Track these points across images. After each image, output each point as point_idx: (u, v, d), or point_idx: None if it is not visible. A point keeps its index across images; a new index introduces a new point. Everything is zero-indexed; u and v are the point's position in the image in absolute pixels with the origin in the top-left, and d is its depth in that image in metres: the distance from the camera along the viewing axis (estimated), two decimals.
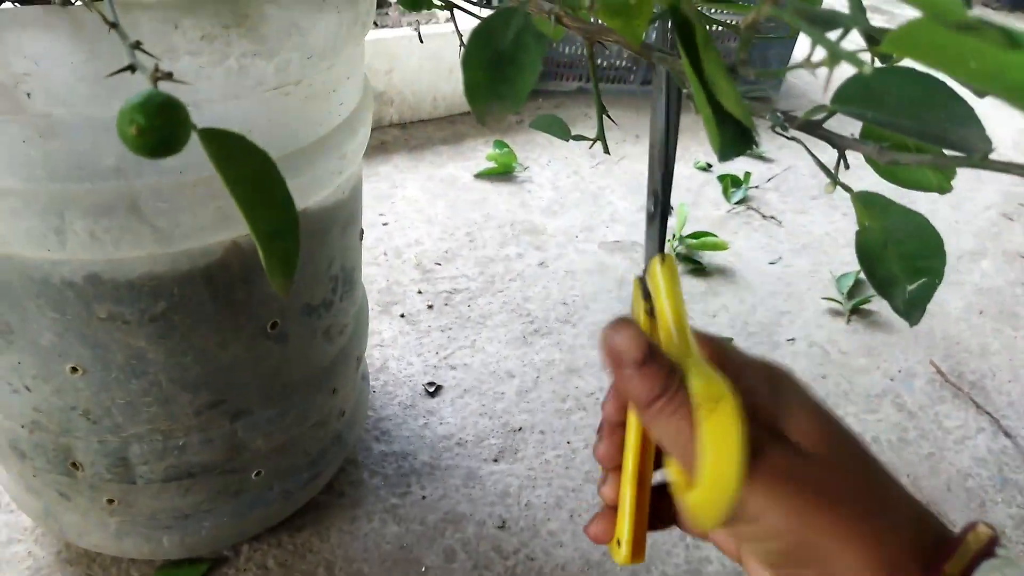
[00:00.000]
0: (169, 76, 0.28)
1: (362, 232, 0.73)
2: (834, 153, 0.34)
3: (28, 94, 0.43)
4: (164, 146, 0.25)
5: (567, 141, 0.38)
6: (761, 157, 1.67)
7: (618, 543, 0.30)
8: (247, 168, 0.30)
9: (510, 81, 0.27)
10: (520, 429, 0.95)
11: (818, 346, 1.12)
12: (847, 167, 0.34)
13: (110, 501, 0.66)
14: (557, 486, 0.87)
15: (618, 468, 0.30)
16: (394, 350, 1.06)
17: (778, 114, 0.35)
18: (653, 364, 0.26)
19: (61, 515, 0.69)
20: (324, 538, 0.80)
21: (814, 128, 0.32)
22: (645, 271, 0.31)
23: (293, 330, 0.64)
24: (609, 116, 0.39)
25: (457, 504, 0.84)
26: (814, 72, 0.26)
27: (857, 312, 1.20)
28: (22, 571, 0.74)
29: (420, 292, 1.18)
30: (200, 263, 0.54)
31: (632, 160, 1.63)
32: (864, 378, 1.07)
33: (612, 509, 0.30)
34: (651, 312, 0.30)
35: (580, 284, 1.22)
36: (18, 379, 0.58)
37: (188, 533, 0.70)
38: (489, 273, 1.23)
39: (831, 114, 0.33)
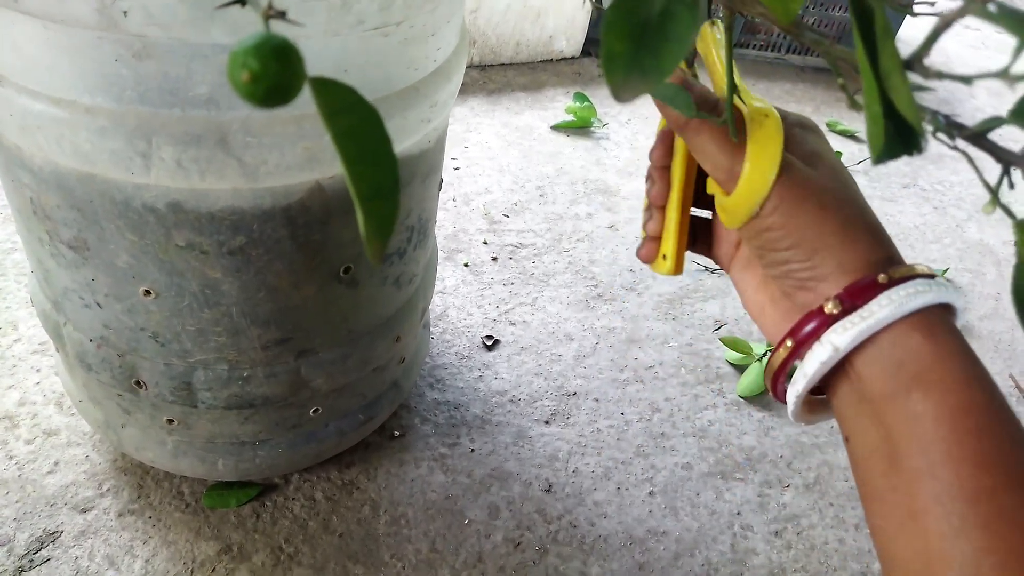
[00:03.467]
0: (282, 15, 0.26)
1: (441, 182, 0.71)
2: (990, 168, 0.31)
3: (125, 12, 0.42)
4: (277, 94, 0.23)
5: (690, 117, 0.35)
6: (854, 137, 1.58)
7: (663, 257, 0.37)
8: (356, 123, 0.28)
9: (656, 53, 0.25)
10: (575, 394, 0.93)
11: None
12: (1011, 186, 0.31)
13: (170, 421, 0.67)
14: (607, 456, 0.86)
15: (663, 207, 0.37)
16: (455, 299, 1.05)
17: (940, 118, 0.31)
18: (692, 86, 0.33)
19: (120, 428, 0.71)
20: (371, 478, 0.80)
21: (981, 139, 0.29)
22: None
23: (365, 276, 0.63)
24: (738, 95, 0.36)
25: (505, 462, 0.84)
26: (1009, 83, 0.23)
27: None
28: (79, 473, 0.77)
29: (486, 243, 1.16)
30: (282, 202, 0.53)
31: None
32: None
33: (655, 239, 0.38)
34: (694, 64, 0.36)
35: None
36: (91, 295, 0.59)
37: (243, 459, 0.71)
38: (557, 231, 1.21)
39: (997, 125, 0.29)
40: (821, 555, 0.80)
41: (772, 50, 1.85)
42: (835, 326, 0.31)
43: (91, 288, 0.58)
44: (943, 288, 0.30)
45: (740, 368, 0.99)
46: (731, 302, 1.11)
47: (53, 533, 0.71)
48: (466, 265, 1.11)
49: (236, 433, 0.69)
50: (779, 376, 0.34)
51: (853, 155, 1.51)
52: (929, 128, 0.31)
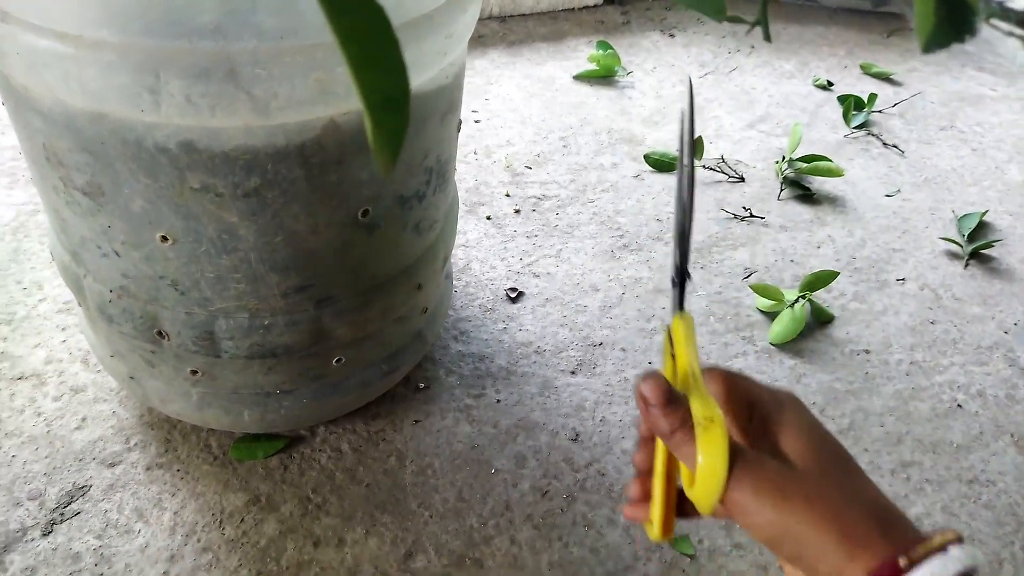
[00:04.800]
0: None
1: (460, 123, 0.69)
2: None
3: None
4: None
5: (719, 22, 0.32)
6: (889, 79, 1.53)
7: (650, 522, 0.38)
8: (361, 22, 0.26)
9: None
10: (600, 344, 0.92)
11: (930, 289, 1.04)
12: None
13: (194, 372, 0.67)
14: (634, 405, 0.85)
15: (650, 470, 0.38)
16: (478, 252, 1.03)
17: (993, 2, 0.28)
18: (671, 406, 0.34)
19: (145, 381, 0.70)
20: (398, 429, 0.80)
21: None
22: (670, 325, 0.38)
23: (384, 220, 0.61)
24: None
25: (531, 412, 0.83)
26: None
27: (976, 257, 1.10)
28: (106, 429, 0.77)
29: (508, 195, 1.14)
30: (296, 139, 0.51)
31: (744, 73, 1.51)
32: (976, 327, 0.99)
33: (641, 502, 0.38)
34: (674, 356, 0.38)
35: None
36: (108, 243, 0.58)
37: (268, 410, 0.71)
38: (581, 181, 1.18)
39: None
40: None
41: None
42: None
43: (108, 236, 0.57)
44: (966, 552, 0.30)
45: (771, 316, 0.96)
46: (760, 250, 1.08)
47: (83, 487, 0.72)
48: (488, 218, 1.09)
49: (260, 383, 0.68)
50: None
51: (888, 97, 1.46)
52: (983, 14, 0.28)
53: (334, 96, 0.50)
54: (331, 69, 0.48)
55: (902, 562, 0.29)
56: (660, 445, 0.37)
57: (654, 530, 0.38)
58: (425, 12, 0.52)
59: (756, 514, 0.31)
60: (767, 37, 0.34)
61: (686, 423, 0.33)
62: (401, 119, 0.29)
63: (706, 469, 0.32)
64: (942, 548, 0.30)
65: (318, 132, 0.52)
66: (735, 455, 0.32)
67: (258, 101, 0.48)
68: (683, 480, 0.36)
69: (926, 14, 0.23)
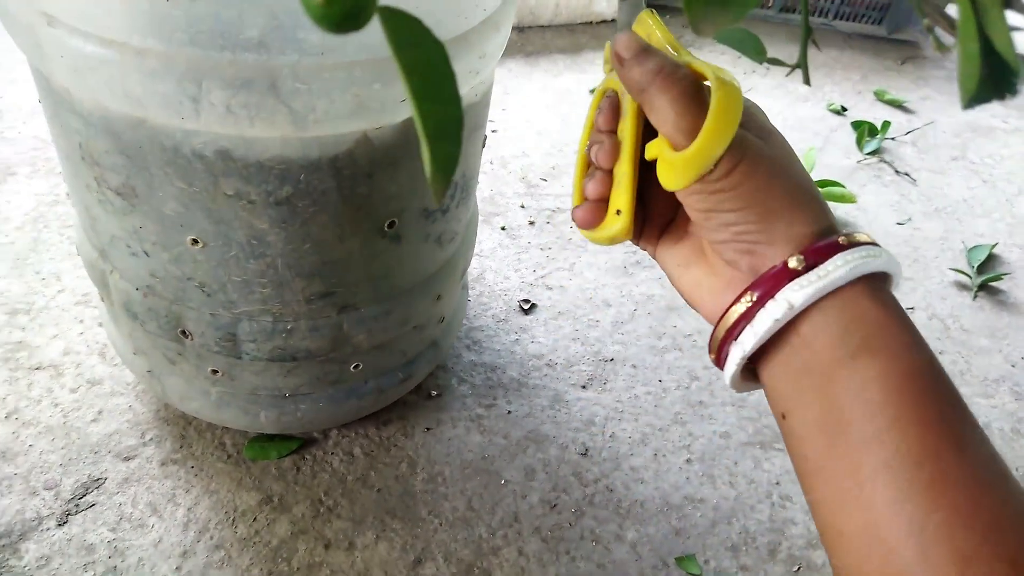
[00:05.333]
0: None
1: (485, 139, 0.70)
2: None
3: None
4: (350, 19, 0.22)
5: (760, 63, 0.33)
6: (902, 107, 1.54)
7: (617, 213, 0.35)
8: (424, 56, 0.27)
9: None
10: (612, 360, 0.92)
11: (939, 319, 1.05)
12: None
13: (214, 372, 0.68)
14: (644, 423, 0.86)
15: (610, 170, 0.36)
16: (492, 262, 1.04)
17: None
18: (651, 51, 0.33)
19: (165, 378, 0.71)
20: (409, 435, 0.80)
21: None
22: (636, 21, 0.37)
23: (408, 232, 0.62)
24: (815, 43, 0.34)
25: (542, 424, 0.84)
26: None
27: (985, 288, 1.11)
28: (122, 423, 0.78)
29: (523, 207, 1.15)
30: (329, 152, 0.52)
31: (759, 93, 1.53)
32: (983, 360, 1.00)
33: (596, 202, 0.37)
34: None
35: None
36: (138, 243, 0.59)
37: (285, 412, 0.72)
38: None
39: None
40: None
41: (820, 15, 1.79)
42: (792, 283, 0.30)
43: (138, 236, 0.58)
44: (889, 256, 0.31)
45: None
46: None
47: (98, 479, 0.73)
48: (503, 228, 1.10)
49: (279, 386, 0.69)
50: (730, 336, 0.33)
51: (901, 125, 1.47)
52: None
53: (368, 111, 0.51)
54: (368, 85, 0.49)
55: (841, 240, 0.31)
56: (627, 129, 0.36)
57: (622, 221, 0.35)
58: (460, 33, 0.53)
59: (744, 181, 0.31)
60: (807, 80, 0.35)
61: (676, 67, 0.32)
62: (455, 147, 0.30)
63: (719, 123, 0.30)
64: (876, 244, 0.31)
65: (351, 145, 0.53)
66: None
67: (296, 114, 0.49)
68: (658, 152, 0.34)
69: (971, 75, 0.24)
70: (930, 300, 1.08)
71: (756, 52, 0.33)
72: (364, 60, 0.48)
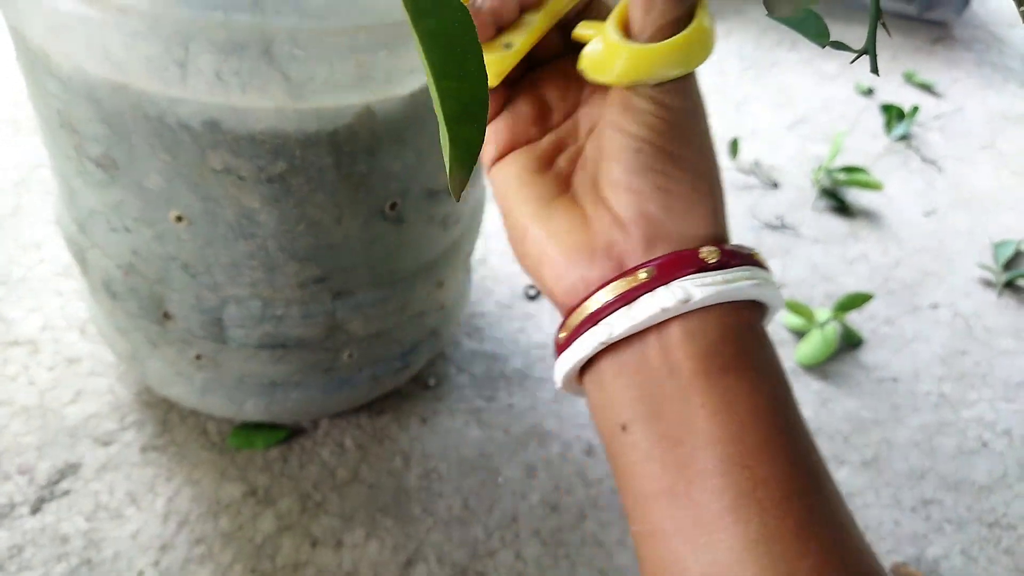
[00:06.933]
0: None
1: None
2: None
3: None
4: None
5: (822, 47, 0.28)
6: (931, 90, 1.48)
7: (506, 46, 0.28)
8: (445, 26, 0.22)
9: None
10: None
11: (962, 318, 1.01)
12: None
13: (198, 357, 0.63)
14: None
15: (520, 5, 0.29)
16: (497, 244, 0.99)
17: None
18: None
19: (146, 361, 0.67)
20: (403, 427, 0.76)
21: None
22: None
23: (411, 214, 0.57)
24: (885, 26, 0.29)
25: (544, 419, 0.80)
26: None
27: (1011, 286, 1.06)
28: (102, 405, 0.73)
29: None
30: (328, 126, 0.47)
31: (784, 69, 1.46)
32: (1007, 361, 0.96)
33: (486, 15, 0.28)
34: None
35: None
36: (118, 218, 0.54)
37: (273, 401, 0.67)
38: None
39: None
40: (875, 536, 0.75)
41: None
42: (696, 275, 0.26)
43: (119, 211, 0.53)
44: (779, 293, 0.28)
45: (799, 334, 0.93)
46: (792, 262, 1.04)
47: (74, 465, 0.68)
48: None
49: (267, 374, 0.65)
50: (597, 316, 0.27)
51: (929, 108, 1.41)
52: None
53: (372, 81, 0.46)
54: (374, 53, 0.44)
55: (755, 253, 0.28)
56: None
57: (510, 56, 0.28)
58: None
59: (691, 118, 0.27)
60: (875, 69, 0.30)
61: None
62: (479, 132, 0.26)
63: (704, 32, 0.25)
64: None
65: (352, 119, 0.48)
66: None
67: (293, 82, 0.44)
68: (591, 33, 0.28)
69: None
70: (954, 297, 1.03)
71: (817, 34, 0.28)
72: (370, 24, 0.43)
